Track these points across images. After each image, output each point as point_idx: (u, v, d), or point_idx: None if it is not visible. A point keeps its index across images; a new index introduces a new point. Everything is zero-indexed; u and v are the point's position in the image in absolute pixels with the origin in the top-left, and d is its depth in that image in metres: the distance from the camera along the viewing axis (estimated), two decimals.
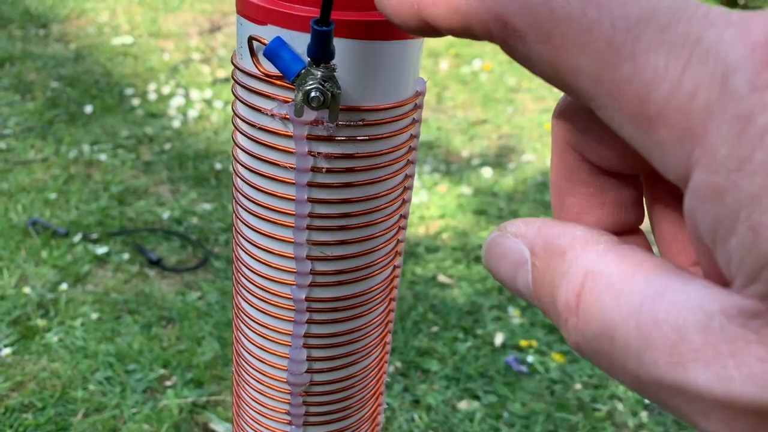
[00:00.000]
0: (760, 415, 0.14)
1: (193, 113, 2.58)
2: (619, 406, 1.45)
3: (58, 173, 2.10)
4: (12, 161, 2.15)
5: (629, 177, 0.22)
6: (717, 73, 0.14)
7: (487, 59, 3.45)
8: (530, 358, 1.54)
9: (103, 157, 2.22)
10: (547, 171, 2.44)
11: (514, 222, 0.20)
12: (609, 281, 0.17)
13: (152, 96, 2.69)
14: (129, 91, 2.72)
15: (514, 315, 1.68)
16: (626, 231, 0.22)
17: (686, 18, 0.15)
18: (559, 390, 1.48)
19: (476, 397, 1.44)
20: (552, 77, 0.17)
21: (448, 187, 2.25)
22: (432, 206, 2.12)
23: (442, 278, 1.80)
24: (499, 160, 2.50)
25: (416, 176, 2.31)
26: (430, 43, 3.70)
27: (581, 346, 0.17)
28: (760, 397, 0.14)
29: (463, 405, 1.42)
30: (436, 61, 3.43)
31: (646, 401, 1.46)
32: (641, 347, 0.16)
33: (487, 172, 2.37)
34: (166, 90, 2.74)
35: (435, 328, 1.62)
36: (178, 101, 2.65)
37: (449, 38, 3.79)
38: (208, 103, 2.69)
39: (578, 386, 1.49)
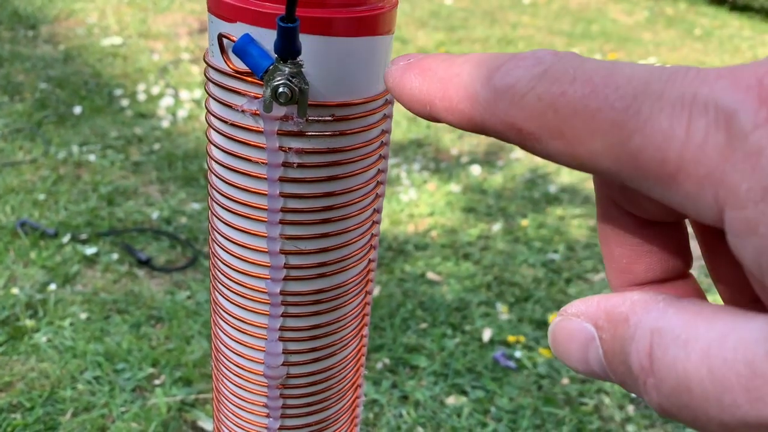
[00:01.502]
0: None
1: (182, 113, 2.58)
2: (606, 400, 1.46)
3: (47, 174, 2.10)
4: (0, 162, 2.15)
5: (673, 224, 0.23)
6: (720, 120, 0.15)
7: None
8: (518, 354, 1.55)
9: (92, 157, 2.22)
10: (535, 167, 2.45)
11: (572, 304, 0.21)
12: (674, 334, 0.17)
13: (141, 96, 2.69)
14: (118, 91, 2.71)
15: (502, 311, 1.68)
16: (676, 276, 0.23)
17: (678, 82, 0.16)
18: (547, 385, 1.49)
19: (464, 393, 1.45)
20: (575, 165, 0.18)
21: (437, 185, 2.25)
22: (421, 204, 2.13)
23: (431, 275, 1.80)
24: (488, 158, 2.51)
25: (405, 174, 2.32)
26: (420, 42, 3.70)
27: (663, 405, 0.17)
28: None
29: (451, 400, 1.42)
30: None
31: (633, 395, 1.47)
32: (719, 391, 0.16)
33: (476, 170, 2.38)
34: (155, 90, 2.74)
35: (423, 325, 1.63)
36: (167, 101, 2.65)
37: (439, 37, 3.79)
38: (198, 103, 2.69)
39: (565, 381, 1.50)
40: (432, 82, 0.22)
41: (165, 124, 2.50)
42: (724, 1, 6.20)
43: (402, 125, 2.70)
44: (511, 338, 1.59)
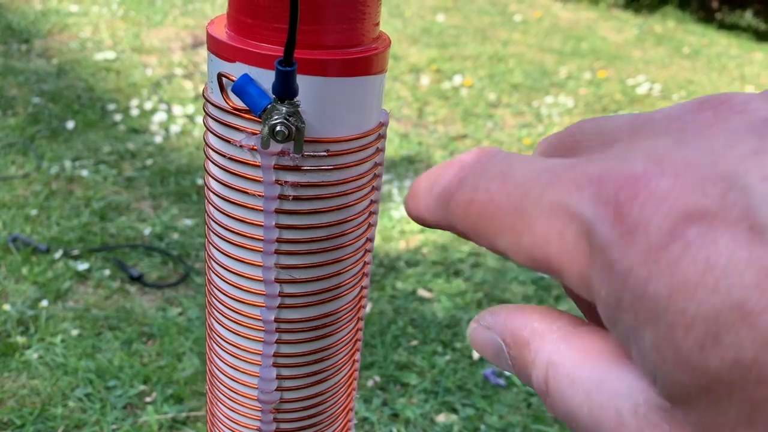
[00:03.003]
0: None
1: (175, 129, 2.59)
2: None
3: (39, 189, 2.10)
4: None
5: None
6: (583, 231, 0.18)
7: (467, 75, 3.49)
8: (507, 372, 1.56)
9: (84, 173, 2.23)
10: None
11: (484, 315, 0.23)
12: (564, 371, 0.20)
13: (134, 111, 2.70)
14: (111, 106, 2.72)
15: None
16: None
17: (555, 187, 0.19)
18: (536, 402, 1.49)
19: (454, 410, 1.45)
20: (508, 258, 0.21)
21: None
22: (412, 221, 2.14)
23: (422, 292, 1.81)
24: None
25: (397, 191, 2.33)
26: (412, 59, 3.73)
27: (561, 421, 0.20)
28: None
29: (441, 418, 1.43)
30: (417, 76, 3.47)
31: None
32: (596, 429, 0.18)
33: None
34: (148, 105, 2.74)
35: (414, 342, 1.63)
36: (160, 117, 2.65)
37: (431, 54, 3.82)
38: (191, 118, 2.70)
39: None
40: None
41: (158, 139, 2.51)
42: (712, 20, 6.28)
43: (394, 142, 2.72)
44: None
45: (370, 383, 1.51)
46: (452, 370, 1.55)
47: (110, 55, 3.23)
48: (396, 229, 2.09)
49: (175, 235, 1.95)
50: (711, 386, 0.16)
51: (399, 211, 2.19)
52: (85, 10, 3.77)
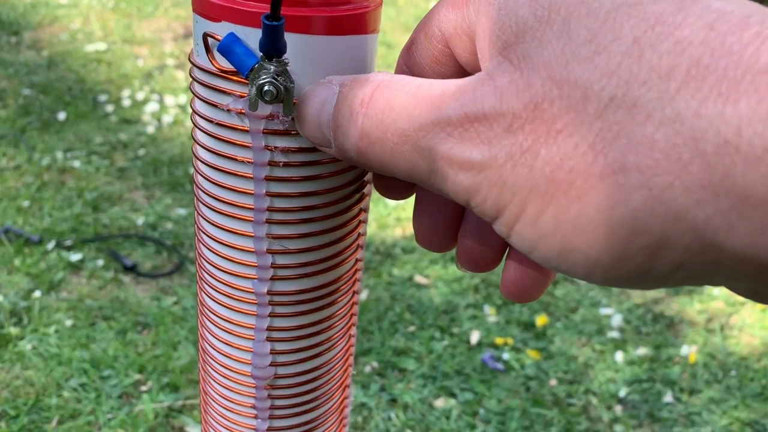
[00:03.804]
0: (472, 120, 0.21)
1: (167, 119, 2.57)
2: (594, 400, 1.47)
3: (31, 181, 2.09)
4: None
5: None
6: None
7: None
8: (506, 356, 1.56)
9: (76, 163, 2.21)
10: None
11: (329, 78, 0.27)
12: (400, 78, 0.23)
13: (126, 102, 2.68)
14: (103, 97, 2.70)
15: (490, 313, 1.69)
16: None
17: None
18: (535, 386, 1.49)
19: (452, 395, 1.45)
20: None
21: None
22: (408, 208, 2.13)
23: (418, 279, 1.81)
24: None
25: None
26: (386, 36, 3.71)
27: (365, 128, 0.23)
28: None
29: (440, 403, 1.43)
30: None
31: (621, 395, 1.48)
32: (412, 106, 0.22)
33: None
34: (140, 96, 2.72)
35: (412, 328, 1.63)
36: (152, 107, 2.63)
37: (406, 25, 3.80)
38: (183, 108, 2.68)
39: (553, 382, 1.50)
40: None
41: (150, 129, 2.49)
42: None
43: None
44: (499, 340, 1.60)
45: (367, 369, 1.50)
46: (450, 355, 1.55)
47: (101, 46, 3.20)
48: (392, 216, 2.08)
49: (169, 225, 1.94)
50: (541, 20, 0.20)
51: None
52: (75, 2, 3.73)
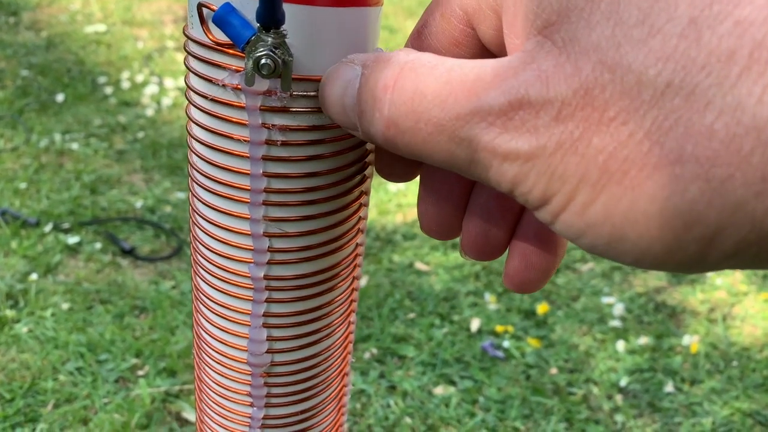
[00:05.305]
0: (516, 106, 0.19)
1: (167, 101, 2.55)
2: (595, 389, 1.46)
3: (29, 162, 2.07)
4: None
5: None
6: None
7: None
8: (506, 344, 1.55)
9: (75, 146, 2.19)
10: None
11: (349, 57, 0.25)
12: (426, 59, 0.22)
13: (126, 84, 2.66)
14: (102, 79, 2.68)
15: (491, 301, 1.68)
16: None
17: None
18: (535, 374, 1.48)
19: (452, 383, 1.44)
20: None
21: None
22: (409, 194, 2.12)
23: (419, 265, 1.79)
24: None
25: None
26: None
27: (392, 116, 0.22)
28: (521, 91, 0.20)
29: (439, 390, 1.42)
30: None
31: (622, 384, 1.47)
32: (446, 92, 0.20)
33: None
34: (139, 78, 2.70)
35: (412, 315, 1.62)
36: (151, 89, 2.61)
37: (408, 9, 3.78)
38: (183, 91, 2.66)
39: (554, 371, 1.49)
40: None
41: (149, 112, 2.48)
42: None
43: None
44: (499, 328, 1.59)
45: (367, 356, 1.49)
46: (450, 342, 1.54)
47: (101, 27, 3.18)
48: (393, 203, 2.07)
49: (168, 209, 1.92)
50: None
51: (396, 185, 2.16)
52: None
